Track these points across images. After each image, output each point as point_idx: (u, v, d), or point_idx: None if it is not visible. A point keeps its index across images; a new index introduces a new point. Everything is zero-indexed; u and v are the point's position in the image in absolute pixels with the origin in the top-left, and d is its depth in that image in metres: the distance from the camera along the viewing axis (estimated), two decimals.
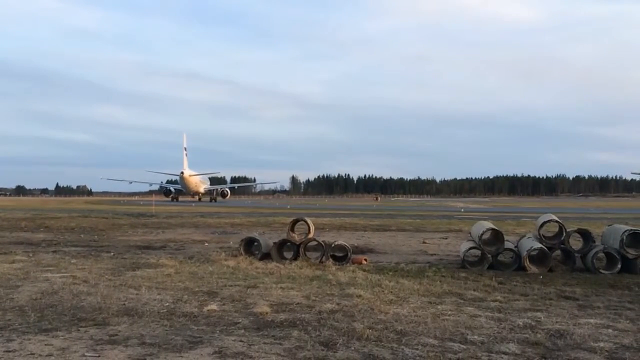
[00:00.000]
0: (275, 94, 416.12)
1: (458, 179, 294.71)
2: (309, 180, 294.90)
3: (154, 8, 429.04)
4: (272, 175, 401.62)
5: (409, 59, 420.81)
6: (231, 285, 10.38)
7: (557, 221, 13.86)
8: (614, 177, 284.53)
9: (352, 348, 6.27)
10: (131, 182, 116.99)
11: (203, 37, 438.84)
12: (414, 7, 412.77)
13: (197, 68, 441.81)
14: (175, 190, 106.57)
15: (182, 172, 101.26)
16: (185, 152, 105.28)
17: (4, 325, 7.28)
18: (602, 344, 6.52)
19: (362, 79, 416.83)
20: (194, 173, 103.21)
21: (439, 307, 8.65)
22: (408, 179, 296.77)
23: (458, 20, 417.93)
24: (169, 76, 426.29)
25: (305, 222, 15.37)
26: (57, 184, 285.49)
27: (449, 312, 8.23)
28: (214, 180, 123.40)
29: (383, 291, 9.87)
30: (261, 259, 14.11)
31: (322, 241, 14.72)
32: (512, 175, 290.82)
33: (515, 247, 14.10)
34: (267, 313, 7.98)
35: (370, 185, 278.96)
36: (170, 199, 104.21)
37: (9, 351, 6.11)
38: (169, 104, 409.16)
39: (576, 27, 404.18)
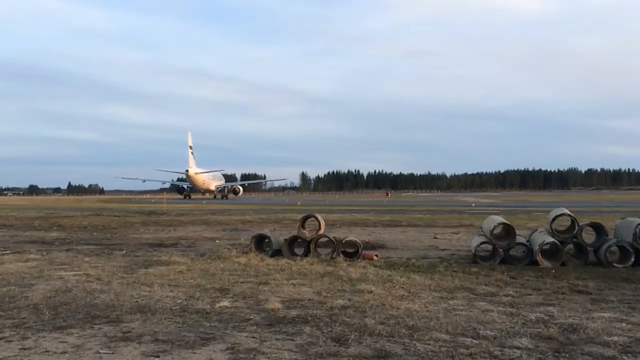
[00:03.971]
0: (283, 91, 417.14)
1: (469, 173, 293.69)
2: (318, 176, 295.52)
3: (160, 7, 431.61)
4: (282, 172, 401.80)
5: (416, 54, 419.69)
6: (243, 282, 10.42)
7: (569, 215, 13.76)
8: (626, 170, 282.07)
9: (364, 344, 6.27)
10: (144, 181, 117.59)
11: (210, 34, 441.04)
12: (420, 1, 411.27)
13: (205, 66, 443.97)
14: (188, 188, 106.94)
15: (187, 170, 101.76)
16: (190, 151, 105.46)
17: (19, 323, 7.37)
18: (615, 338, 6.47)
19: (370, 74, 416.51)
20: (200, 171, 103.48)
21: (450, 302, 8.63)
22: (418, 174, 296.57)
23: (465, 14, 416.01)
24: (176, 74, 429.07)
25: (316, 218, 15.39)
26: (70, 183, 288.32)
27: (461, 307, 8.21)
28: (226, 178, 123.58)
29: (394, 287, 9.85)
30: (272, 256, 14.13)
31: (333, 237, 14.72)
32: (523, 169, 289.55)
33: (527, 241, 14.01)
34: (278, 309, 8.01)
35: (381, 181, 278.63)
36: (183, 196, 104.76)
37: (25, 349, 6.18)
38: (178, 103, 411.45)
39: (586, 19, 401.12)
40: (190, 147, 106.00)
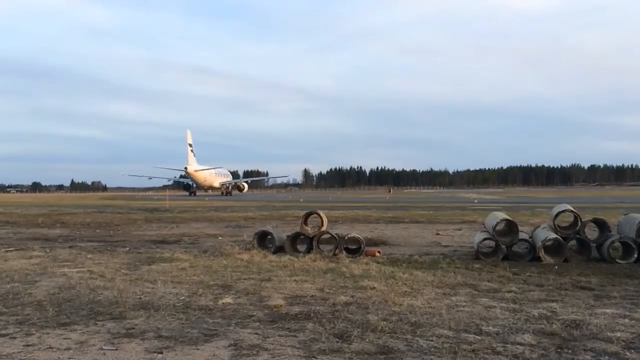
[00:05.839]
0: (285, 88, 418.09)
1: (471, 169, 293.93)
2: (321, 173, 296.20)
3: (162, 4, 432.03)
4: (285, 169, 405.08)
5: (417, 50, 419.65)
6: (245, 279, 10.44)
7: (572, 211, 13.74)
8: (629, 166, 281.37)
9: (367, 340, 6.28)
10: (151, 178, 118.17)
11: (210, 31, 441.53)
12: None
13: (206, 63, 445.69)
14: (193, 185, 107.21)
15: (185, 168, 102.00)
16: (190, 148, 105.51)
17: (23, 319, 7.39)
18: (618, 334, 6.46)
19: (371, 70, 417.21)
20: (200, 168, 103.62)
21: (453, 298, 8.63)
22: (421, 171, 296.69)
23: (466, 10, 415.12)
24: (178, 72, 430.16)
25: (318, 215, 15.40)
26: (73, 180, 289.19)
27: (464, 304, 8.20)
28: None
29: (397, 283, 9.86)
30: (275, 252, 14.16)
31: (336, 234, 14.72)
32: (526, 165, 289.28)
33: (530, 237, 14.00)
34: (281, 306, 8.02)
35: (383, 178, 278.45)
36: (189, 193, 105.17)
37: (29, 345, 6.20)
38: (179, 100, 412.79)
39: (588, 14, 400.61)
40: (190, 145, 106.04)
